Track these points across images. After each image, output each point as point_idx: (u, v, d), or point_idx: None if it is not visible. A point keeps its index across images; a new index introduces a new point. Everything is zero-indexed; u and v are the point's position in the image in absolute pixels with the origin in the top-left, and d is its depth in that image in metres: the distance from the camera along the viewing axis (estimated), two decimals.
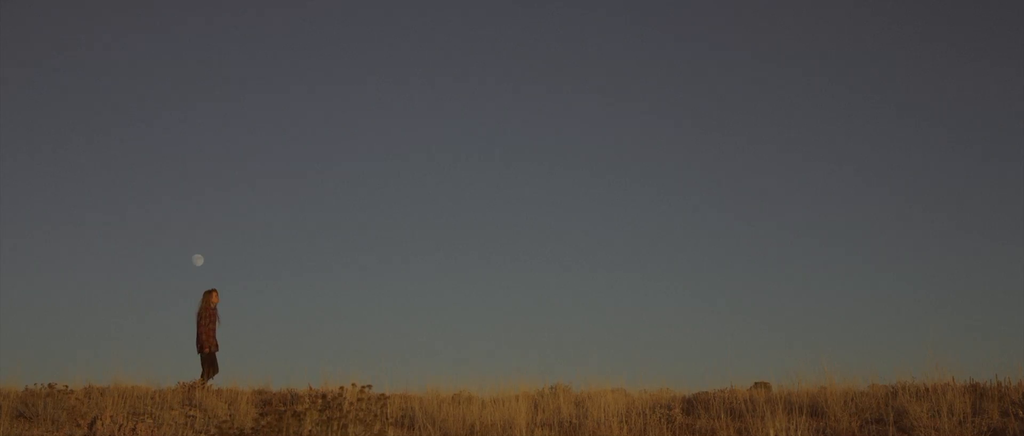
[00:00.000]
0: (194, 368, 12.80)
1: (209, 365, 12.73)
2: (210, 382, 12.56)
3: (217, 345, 12.81)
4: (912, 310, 22.37)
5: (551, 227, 29.21)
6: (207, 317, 12.84)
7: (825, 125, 30.25)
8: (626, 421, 9.63)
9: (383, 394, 8.90)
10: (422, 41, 31.68)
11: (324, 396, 8.28)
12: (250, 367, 17.32)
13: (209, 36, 31.10)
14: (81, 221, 27.38)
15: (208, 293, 13.09)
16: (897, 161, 29.27)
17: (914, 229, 27.40)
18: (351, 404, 8.11)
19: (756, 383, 12.07)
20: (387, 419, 9.73)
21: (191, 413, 9.80)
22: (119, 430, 8.92)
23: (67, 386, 10.77)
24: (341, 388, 8.54)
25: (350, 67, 31.47)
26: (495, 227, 29.09)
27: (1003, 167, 27.39)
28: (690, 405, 10.88)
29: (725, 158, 30.27)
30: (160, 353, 17.12)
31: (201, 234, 26.81)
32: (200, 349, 12.81)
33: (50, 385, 10.69)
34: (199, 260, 20.60)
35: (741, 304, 24.84)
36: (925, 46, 29.71)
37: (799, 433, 8.77)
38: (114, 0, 30.72)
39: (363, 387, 8.90)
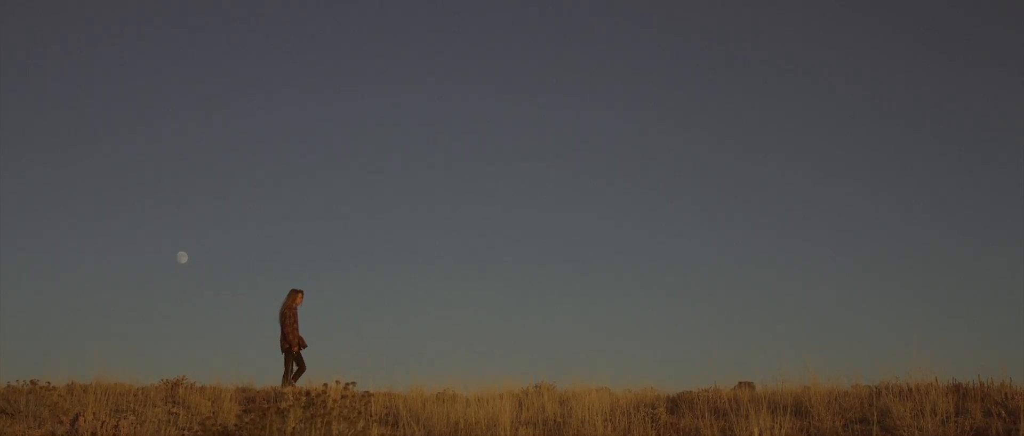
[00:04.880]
0: (176, 366, 12.79)
1: (298, 363, 12.83)
2: (297, 382, 12.61)
3: (304, 343, 12.89)
4: (896, 310, 22.49)
5: (536, 226, 29.23)
6: (291, 317, 12.90)
7: (810, 125, 30.38)
8: (610, 420, 9.63)
9: (367, 392, 8.87)
10: (412, 43, 31.65)
11: (308, 394, 8.26)
12: (234, 365, 17.26)
13: (201, 39, 30.98)
14: (65, 219, 27.22)
15: (293, 293, 13.15)
16: (882, 161, 29.43)
17: (899, 229, 27.55)
18: (335, 402, 8.09)
19: (740, 382, 12.09)
20: (371, 417, 9.71)
21: (174, 410, 9.75)
22: (101, 427, 8.87)
23: (49, 383, 10.69)
24: (325, 386, 8.52)
25: (337, 70, 31.41)
26: (479, 226, 29.08)
27: (988, 167, 27.59)
28: (674, 404, 10.90)
29: (710, 157, 30.34)
30: (143, 350, 17.05)
31: (185, 231, 26.71)
32: (286, 348, 12.84)
33: (32, 381, 10.62)
34: (183, 258, 20.53)
35: (725, 303, 24.91)
36: (909, 46, 29.87)
37: (783, 433, 8.80)
38: (106, 4, 30.56)
39: (347, 385, 8.88)
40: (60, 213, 27.44)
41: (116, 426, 8.88)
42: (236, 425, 7.75)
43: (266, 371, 17.56)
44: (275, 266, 25.67)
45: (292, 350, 12.82)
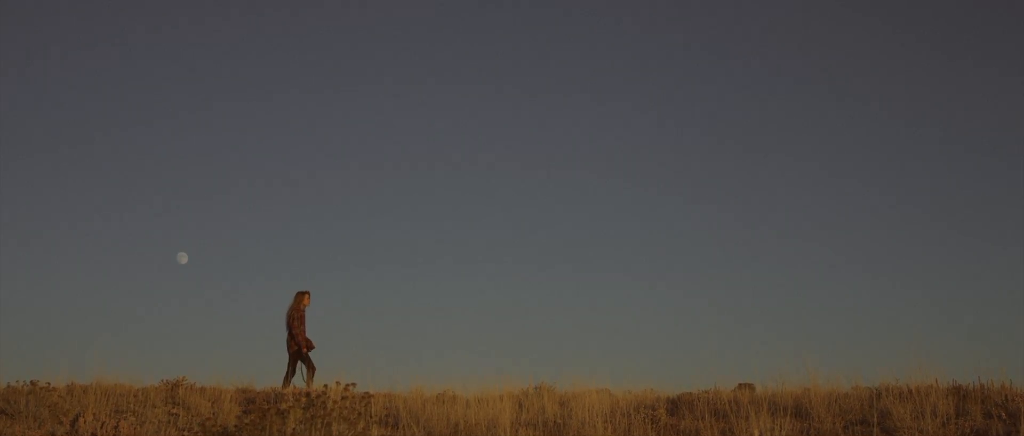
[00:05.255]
0: (176, 367, 12.78)
1: (306, 364, 12.83)
2: (311, 384, 12.61)
3: (312, 344, 12.90)
4: (896, 311, 22.49)
5: (535, 227, 29.22)
6: (299, 318, 12.90)
7: (810, 126, 30.38)
8: (610, 421, 9.63)
9: (367, 393, 8.87)
10: (410, 44, 31.65)
11: (308, 394, 8.25)
12: (234, 365, 17.26)
13: (201, 39, 30.98)
14: (65, 219, 27.22)
15: (300, 294, 13.14)
16: (882, 162, 29.43)
17: (899, 230, 27.55)
18: (335, 403, 8.08)
19: (740, 384, 12.09)
20: (371, 418, 9.71)
21: (174, 411, 9.74)
22: (102, 427, 8.86)
23: (49, 383, 10.68)
24: (325, 386, 8.51)
25: (337, 70, 31.41)
26: (479, 227, 29.08)
27: (988, 168, 27.58)
28: (674, 406, 10.90)
29: (710, 157, 30.34)
30: (143, 351, 17.06)
31: (185, 232, 26.71)
32: (294, 350, 12.84)
33: (32, 382, 10.61)
34: (183, 258, 20.53)
35: (726, 304, 24.91)
36: (909, 46, 29.87)
37: (783, 434, 8.79)
38: (105, 5, 30.56)
39: (347, 386, 8.87)
40: (60, 213, 27.45)
41: (116, 427, 8.88)
42: (236, 426, 7.75)
43: (266, 372, 17.56)
44: (275, 267, 25.68)
45: (300, 352, 12.82)
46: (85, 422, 8.88)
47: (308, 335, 12.94)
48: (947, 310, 22.63)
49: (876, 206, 28.39)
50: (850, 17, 30.30)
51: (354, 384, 8.94)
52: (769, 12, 31.12)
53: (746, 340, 19.68)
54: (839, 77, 30.79)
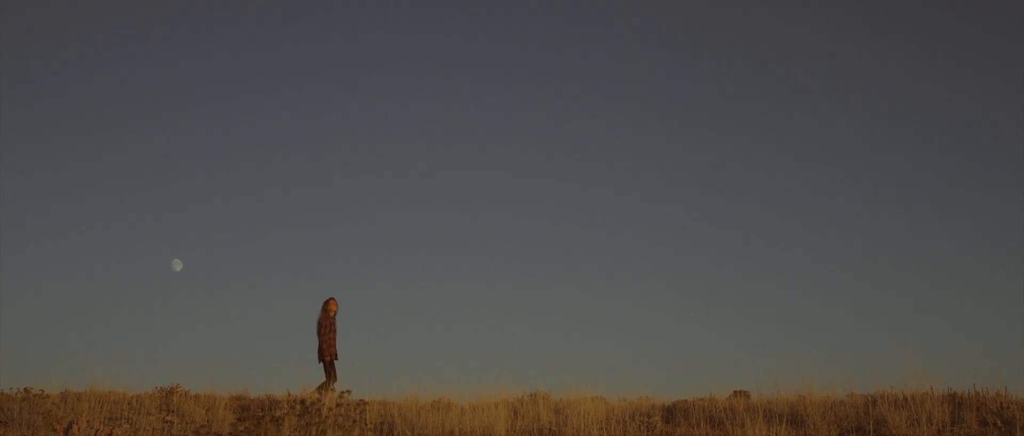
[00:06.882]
0: (170, 374, 12.72)
1: (330, 373, 12.74)
2: (332, 389, 12.52)
3: (337, 354, 12.80)
4: (891, 318, 22.51)
5: (531, 234, 29.21)
6: (327, 326, 12.82)
7: (805, 130, 30.43)
8: (606, 428, 9.62)
9: (362, 400, 8.87)
10: (407, 50, 31.70)
11: (303, 402, 8.24)
12: (229, 372, 17.19)
13: (198, 46, 31.01)
14: (59, 226, 27.18)
15: (327, 302, 13.06)
16: (878, 167, 29.48)
17: (894, 237, 27.59)
18: (330, 410, 8.07)
19: (736, 391, 12.09)
20: (366, 425, 9.69)
21: (168, 418, 9.72)
22: (95, 435, 8.84)
23: (43, 391, 10.65)
24: (318, 394, 8.50)
25: (331, 77, 31.44)
26: (474, 234, 29.06)
27: (985, 174, 27.65)
28: (670, 413, 10.89)
29: (705, 163, 30.38)
30: (138, 358, 17.01)
31: (180, 239, 26.66)
32: (321, 358, 12.77)
33: (26, 390, 10.58)
34: (178, 265, 20.51)
35: (721, 311, 24.88)
36: (905, 49, 29.97)
37: None
38: (104, 9, 30.58)
39: (342, 393, 8.87)
40: (54, 220, 27.39)
41: (110, 434, 8.85)
42: (231, 433, 7.73)
43: (261, 379, 17.53)
44: (269, 274, 25.64)
45: (326, 359, 12.75)
46: (79, 429, 8.85)
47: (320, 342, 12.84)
48: (943, 317, 22.67)
49: (872, 212, 28.44)
50: (846, 20, 30.42)
51: (349, 391, 8.94)
52: (764, 15, 31.23)
53: (741, 347, 19.67)
54: (836, 80, 30.89)
